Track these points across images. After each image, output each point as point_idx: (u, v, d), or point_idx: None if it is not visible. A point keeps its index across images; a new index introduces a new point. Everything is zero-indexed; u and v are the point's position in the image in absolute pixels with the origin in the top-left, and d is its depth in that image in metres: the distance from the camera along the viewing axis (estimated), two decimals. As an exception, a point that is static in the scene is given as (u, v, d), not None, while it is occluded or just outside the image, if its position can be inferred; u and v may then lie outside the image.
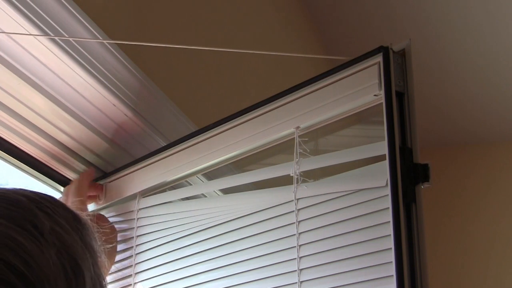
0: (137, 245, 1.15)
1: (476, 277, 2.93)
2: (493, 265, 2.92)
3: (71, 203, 1.13)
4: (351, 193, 0.90)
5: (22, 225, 0.52)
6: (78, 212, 0.61)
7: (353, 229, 0.88)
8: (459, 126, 3.02)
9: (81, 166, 1.23)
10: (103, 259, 0.61)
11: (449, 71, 2.66)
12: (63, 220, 0.57)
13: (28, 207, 0.55)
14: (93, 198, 1.22)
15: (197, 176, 1.16)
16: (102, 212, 1.22)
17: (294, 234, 0.94)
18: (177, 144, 1.14)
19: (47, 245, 0.52)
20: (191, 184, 1.19)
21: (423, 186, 0.84)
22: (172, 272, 1.10)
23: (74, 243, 0.56)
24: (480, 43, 2.47)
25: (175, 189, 1.18)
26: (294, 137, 0.97)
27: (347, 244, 0.88)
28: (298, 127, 0.98)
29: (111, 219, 1.20)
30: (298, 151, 0.96)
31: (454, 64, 2.61)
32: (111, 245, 1.12)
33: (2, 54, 0.99)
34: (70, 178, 1.24)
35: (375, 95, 0.90)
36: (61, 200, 1.18)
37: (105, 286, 0.59)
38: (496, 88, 2.74)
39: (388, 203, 0.82)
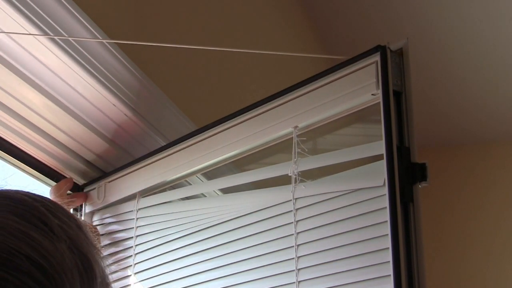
0: (136, 245, 1.16)
1: (475, 277, 2.93)
2: (492, 265, 2.91)
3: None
4: (348, 192, 0.90)
5: (32, 221, 0.53)
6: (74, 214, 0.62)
7: (351, 229, 0.88)
8: (458, 125, 3.02)
9: (81, 166, 1.24)
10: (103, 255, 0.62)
11: (448, 70, 2.65)
12: (66, 218, 0.57)
13: (34, 205, 0.55)
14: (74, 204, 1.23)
15: (196, 176, 1.16)
16: (102, 212, 1.22)
17: (292, 234, 0.94)
18: (176, 144, 1.14)
19: (58, 241, 0.53)
20: (190, 184, 1.19)
21: (421, 186, 0.84)
22: (172, 272, 1.10)
23: (81, 239, 0.56)
24: (479, 42, 2.47)
25: (174, 188, 1.19)
26: (292, 137, 0.98)
27: (345, 243, 0.88)
28: (296, 127, 0.98)
29: (110, 219, 1.21)
30: (296, 150, 0.96)
31: (453, 63, 2.61)
32: None
33: (2, 54, 0.99)
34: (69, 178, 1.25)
35: (373, 94, 0.90)
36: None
37: (110, 282, 0.59)
38: (495, 88, 2.73)
39: (385, 202, 0.83)
